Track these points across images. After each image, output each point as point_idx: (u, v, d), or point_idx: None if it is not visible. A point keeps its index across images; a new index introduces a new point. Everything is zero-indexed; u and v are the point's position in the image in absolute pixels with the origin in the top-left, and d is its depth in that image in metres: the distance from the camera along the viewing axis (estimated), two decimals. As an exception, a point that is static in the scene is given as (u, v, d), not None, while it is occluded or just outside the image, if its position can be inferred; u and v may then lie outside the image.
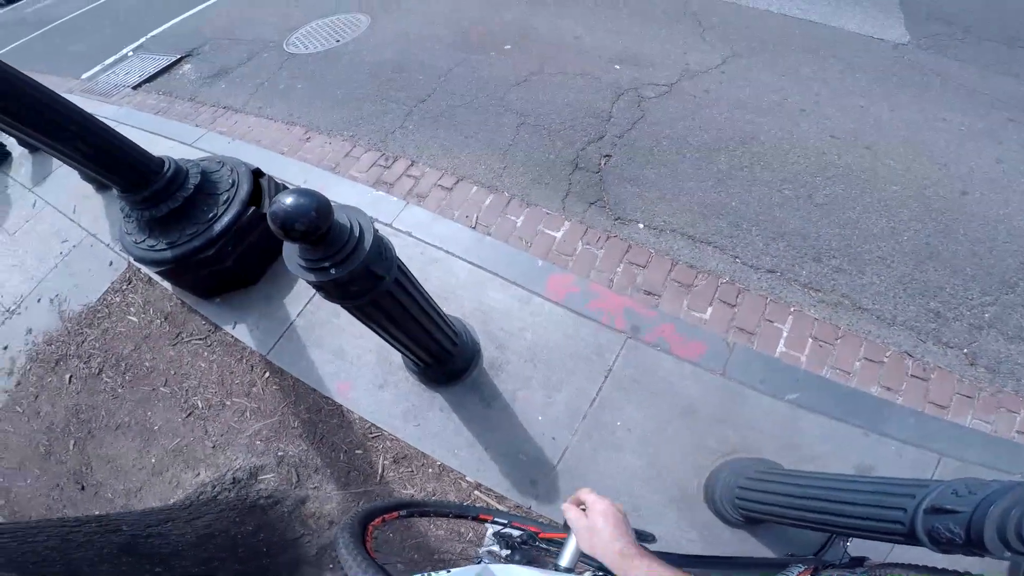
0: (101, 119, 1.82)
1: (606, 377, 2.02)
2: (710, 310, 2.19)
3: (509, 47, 3.80)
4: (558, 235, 2.49)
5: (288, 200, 0.89)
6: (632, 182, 2.72)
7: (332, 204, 1.00)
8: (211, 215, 2.08)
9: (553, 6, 4.25)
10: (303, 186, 2.26)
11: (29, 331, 2.78)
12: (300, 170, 2.96)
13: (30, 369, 2.63)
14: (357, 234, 1.04)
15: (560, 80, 3.42)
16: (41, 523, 1.46)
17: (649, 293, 2.25)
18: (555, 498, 1.81)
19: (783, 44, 3.60)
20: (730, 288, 2.25)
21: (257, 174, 2.30)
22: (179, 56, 4.68)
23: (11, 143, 4.05)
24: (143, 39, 5.56)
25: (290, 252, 1.06)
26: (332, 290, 1.09)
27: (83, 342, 2.60)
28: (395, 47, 3.97)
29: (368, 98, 3.52)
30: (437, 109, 3.32)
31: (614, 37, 3.78)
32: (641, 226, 2.52)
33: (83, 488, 2.21)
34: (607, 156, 2.87)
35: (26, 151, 3.95)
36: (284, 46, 4.28)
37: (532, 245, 2.45)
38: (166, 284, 2.61)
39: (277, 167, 2.93)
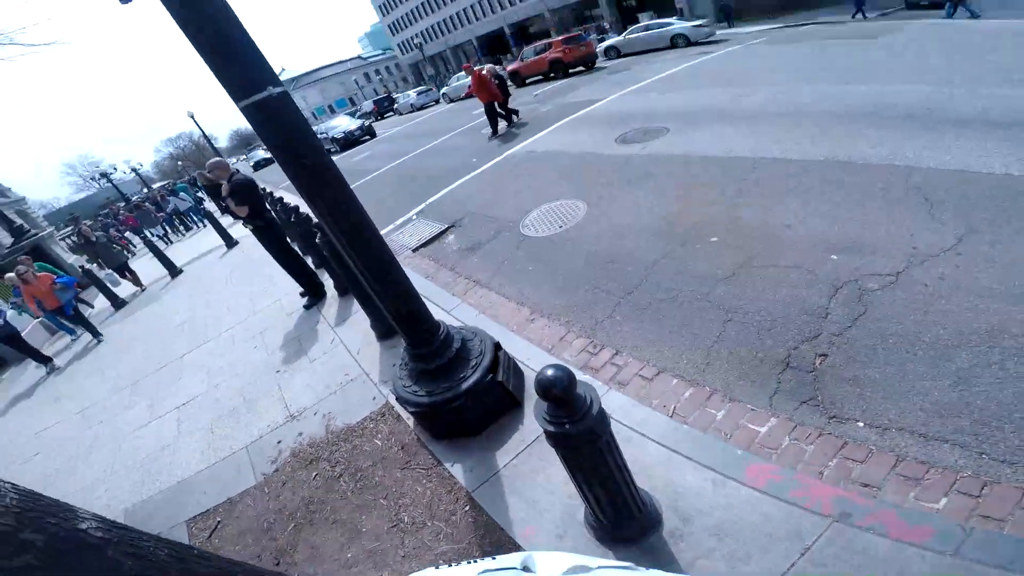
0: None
1: (802, 555, 1.90)
2: (944, 500, 1.97)
3: (715, 239, 4.06)
4: (762, 430, 2.52)
5: (550, 372, 1.35)
6: (851, 382, 2.62)
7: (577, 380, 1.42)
8: (462, 375, 2.76)
9: (759, 196, 4.55)
10: (529, 362, 2.82)
11: (300, 434, 3.75)
12: (525, 347, 3.60)
13: (288, 462, 3.50)
14: (588, 403, 1.44)
15: (770, 273, 3.49)
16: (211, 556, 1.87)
17: (867, 485, 2.12)
18: None
19: (1031, 214, 3.30)
20: (973, 481, 2.01)
21: (497, 347, 2.99)
22: (447, 226, 6.33)
23: (328, 284, 5.75)
24: (423, 205, 7.68)
25: (539, 409, 1.49)
26: (561, 439, 1.46)
27: (335, 451, 3.40)
28: (607, 237, 4.74)
29: (583, 286, 4.16)
30: (643, 302, 3.71)
31: (828, 224, 3.80)
32: (861, 424, 2.42)
33: (278, 563, 2.73)
34: (823, 355, 2.81)
35: (336, 294, 5.56)
36: (520, 228, 5.48)
37: (732, 437, 2.52)
38: (410, 422, 3.34)
39: (507, 341, 3.63)
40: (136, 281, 11.10)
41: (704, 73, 12.09)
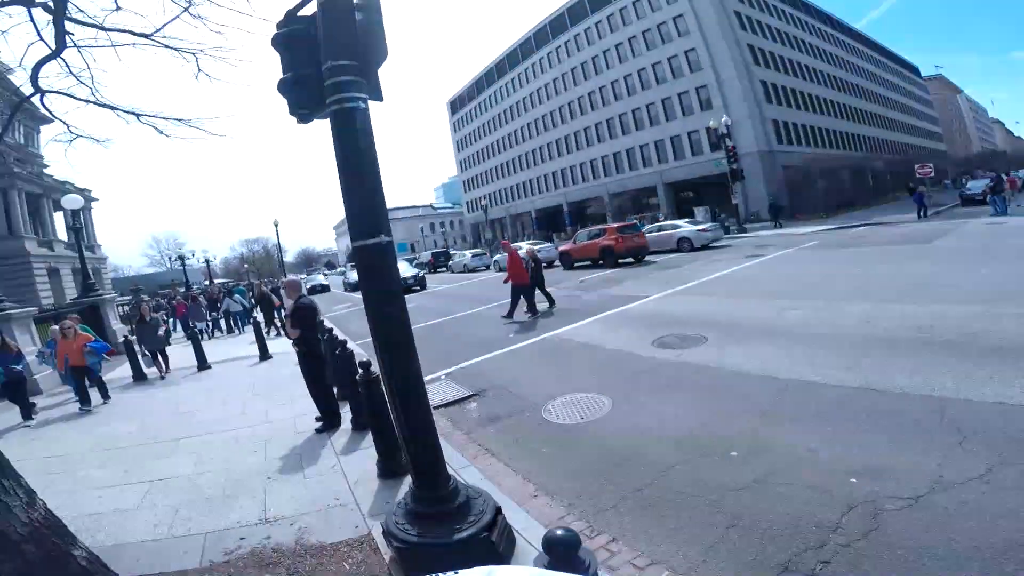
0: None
1: None
2: None
3: (735, 454, 4.06)
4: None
5: (559, 530, 1.46)
6: (852, 584, 2.49)
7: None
8: (457, 527, 2.74)
9: (787, 417, 4.57)
10: (524, 532, 2.80)
11: (268, 537, 3.60)
12: (524, 519, 3.50)
13: (244, 558, 3.36)
14: (587, 565, 1.50)
15: (784, 491, 3.44)
16: None
17: None
18: None
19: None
20: None
21: (498, 511, 3.00)
22: (471, 393, 6.50)
23: (346, 416, 5.84)
24: (453, 368, 7.92)
25: (539, 562, 1.54)
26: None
27: (299, 563, 3.26)
28: (626, 436, 4.73)
29: (593, 476, 4.11)
30: (651, 499, 3.66)
31: (854, 451, 3.77)
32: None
33: None
34: (825, 563, 2.72)
35: (351, 428, 5.64)
36: (542, 411, 5.58)
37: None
38: (387, 556, 3.18)
39: (507, 509, 3.52)
40: (163, 368, 11.24)
41: (753, 279, 12.79)
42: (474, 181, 76.77)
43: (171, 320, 20.80)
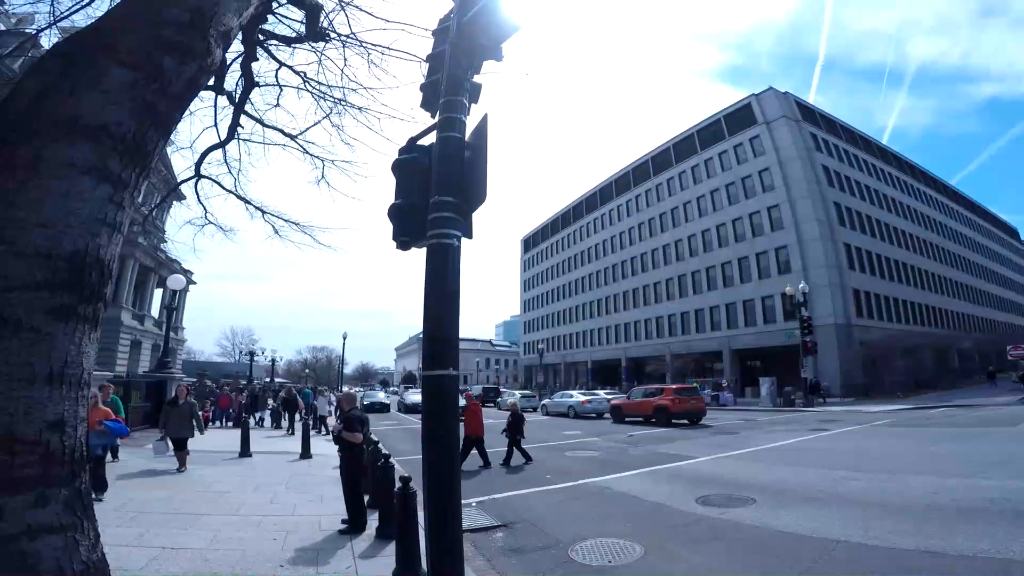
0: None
1: None
2: None
3: None
4: None
5: None
6: None
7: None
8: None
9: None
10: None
11: None
12: None
13: None
14: None
15: None
16: None
17: None
18: None
19: None
20: None
21: None
22: (500, 524, 6.33)
23: (372, 523, 5.83)
24: (485, 498, 7.74)
25: None
26: None
27: None
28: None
29: None
30: None
31: None
32: None
33: None
34: None
35: (374, 534, 5.61)
36: (569, 550, 5.33)
37: None
38: None
39: None
40: (182, 460, 9.66)
41: (813, 451, 12.04)
42: (535, 323, 75.52)
43: (212, 409, 19.95)
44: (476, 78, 3.48)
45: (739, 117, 45.01)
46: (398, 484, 4.84)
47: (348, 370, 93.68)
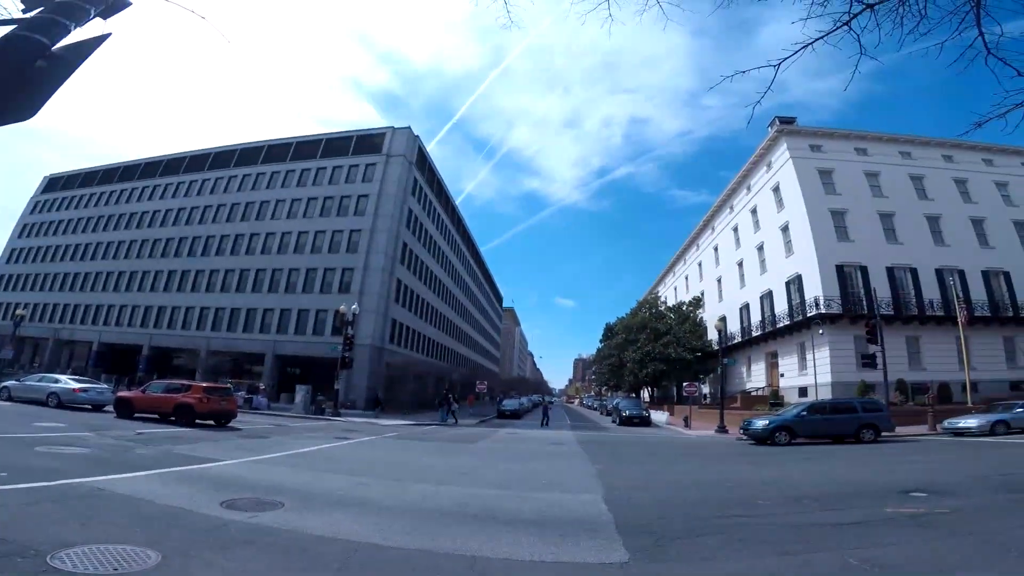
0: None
1: None
2: None
3: None
4: None
5: None
6: None
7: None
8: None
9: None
10: None
11: None
12: None
13: None
14: None
15: None
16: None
17: None
18: None
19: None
20: None
21: None
22: None
23: None
24: None
25: None
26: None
27: None
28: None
29: None
30: None
31: None
32: None
33: None
34: None
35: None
36: (49, 559, 4.21)
37: None
38: None
39: None
40: None
41: (337, 458, 13.38)
42: (21, 280, 57.50)
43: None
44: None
45: (370, 143, 47.89)
46: None
47: None
